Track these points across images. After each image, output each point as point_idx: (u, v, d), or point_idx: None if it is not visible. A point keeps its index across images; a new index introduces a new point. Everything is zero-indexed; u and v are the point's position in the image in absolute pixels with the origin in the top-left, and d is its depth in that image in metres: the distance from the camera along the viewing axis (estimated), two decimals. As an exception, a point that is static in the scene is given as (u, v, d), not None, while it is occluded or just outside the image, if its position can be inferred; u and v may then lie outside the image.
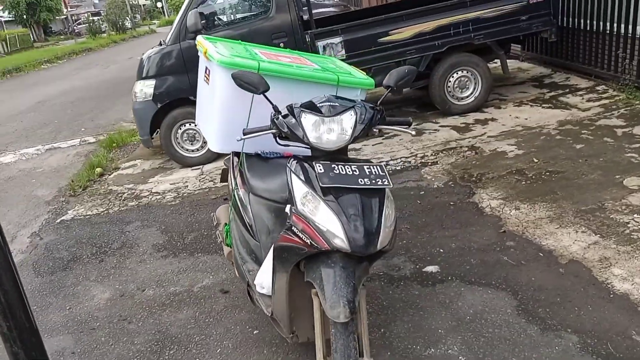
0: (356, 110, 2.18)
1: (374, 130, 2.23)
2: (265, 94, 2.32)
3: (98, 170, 6.11)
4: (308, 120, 2.13)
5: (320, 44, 5.51)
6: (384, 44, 5.62)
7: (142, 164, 6.26)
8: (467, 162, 4.66)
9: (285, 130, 2.19)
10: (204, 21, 5.40)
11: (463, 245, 3.35)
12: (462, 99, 5.97)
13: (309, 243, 2.02)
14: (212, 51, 2.71)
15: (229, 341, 2.80)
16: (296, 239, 2.06)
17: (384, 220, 2.05)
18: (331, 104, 2.17)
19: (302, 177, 2.09)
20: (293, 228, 2.07)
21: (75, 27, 41.07)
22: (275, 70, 2.67)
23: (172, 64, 5.53)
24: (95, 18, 38.75)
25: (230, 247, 2.82)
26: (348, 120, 2.13)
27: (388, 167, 4.84)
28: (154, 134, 5.94)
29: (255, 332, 2.83)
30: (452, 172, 4.50)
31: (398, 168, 4.80)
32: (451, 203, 3.95)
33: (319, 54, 5.49)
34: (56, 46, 31.95)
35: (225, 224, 2.96)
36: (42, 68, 20.90)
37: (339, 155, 2.18)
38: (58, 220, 4.87)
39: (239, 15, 5.81)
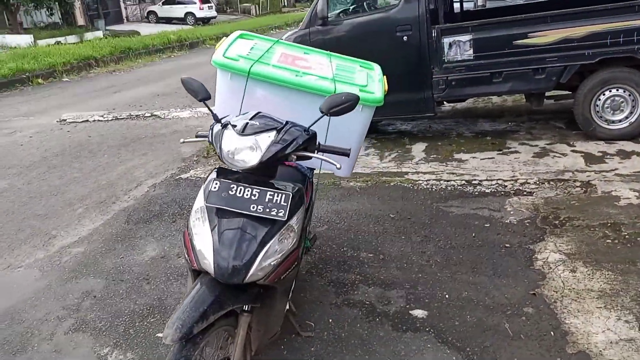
0: (278, 131, 2.07)
1: (292, 156, 2.10)
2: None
3: (236, 138, 6.72)
4: (227, 135, 2.10)
5: (446, 40, 5.08)
6: (520, 47, 4.93)
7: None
8: (565, 200, 3.93)
9: (211, 141, 2.19)
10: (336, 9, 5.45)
11: (475, 297, 2.91)
12: (613, 122, 4.95)
13: (186, 257, 2.05)
14: (218, 50, 2.79)
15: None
16: (184, 250, 2.10)
17: (265, 252, 1.97)
18: (255, 122, 2.11)
19: (206, 192, 2.10)
20: (183, 240, 2.11)
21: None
22: (265, 75, 2.65)
23: None
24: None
25: None
26: (264, 141, 2.05)
27: (478, 187, 4.35)
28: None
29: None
30: (540, 209, 3.85)
31: (487, 191, 4.27)
32: (507, 245, 3.42)
33: (442, 50, 5.10)
34: (296, 13, 34.92)
35: None
36: (270, 33, 23.19)
37: (256, 175, 2.12)
38: (176, 177, 5.54)
39: (367, 4, 5.66)
